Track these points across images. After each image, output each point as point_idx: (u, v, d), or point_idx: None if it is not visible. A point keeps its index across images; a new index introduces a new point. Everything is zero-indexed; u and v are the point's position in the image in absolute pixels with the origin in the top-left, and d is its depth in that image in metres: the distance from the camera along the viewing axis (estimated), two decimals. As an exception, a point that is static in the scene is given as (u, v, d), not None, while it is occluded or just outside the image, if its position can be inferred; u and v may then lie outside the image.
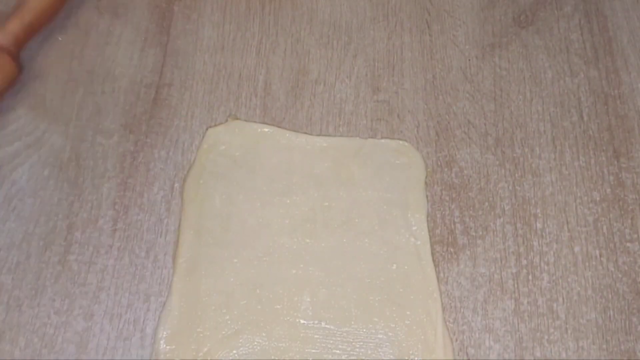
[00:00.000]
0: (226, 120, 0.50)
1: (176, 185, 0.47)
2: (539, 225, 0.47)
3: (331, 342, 0.42)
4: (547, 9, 0.55)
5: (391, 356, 0.42)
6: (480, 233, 0.46)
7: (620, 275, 0.45)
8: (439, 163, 0.49)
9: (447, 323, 0.43)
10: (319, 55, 0.53)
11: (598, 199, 0.48)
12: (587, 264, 0.45)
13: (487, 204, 0.47)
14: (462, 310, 0.44)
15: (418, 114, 0.51)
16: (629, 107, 0.51)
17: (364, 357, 0.42)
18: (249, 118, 0.50)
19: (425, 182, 0.48)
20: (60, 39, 0.52)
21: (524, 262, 0.45)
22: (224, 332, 0.42)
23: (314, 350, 0.42)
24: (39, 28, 0.51)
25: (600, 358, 0.42)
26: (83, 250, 0.45)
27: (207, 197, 0.46)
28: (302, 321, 0.43)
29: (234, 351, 0.42)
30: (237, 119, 0.50)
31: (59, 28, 0.53)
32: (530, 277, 0.45)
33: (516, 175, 0.48)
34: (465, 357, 0.42)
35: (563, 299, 0.44)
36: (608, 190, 0.48)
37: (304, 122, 0.50)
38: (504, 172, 0.48)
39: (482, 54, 0.53)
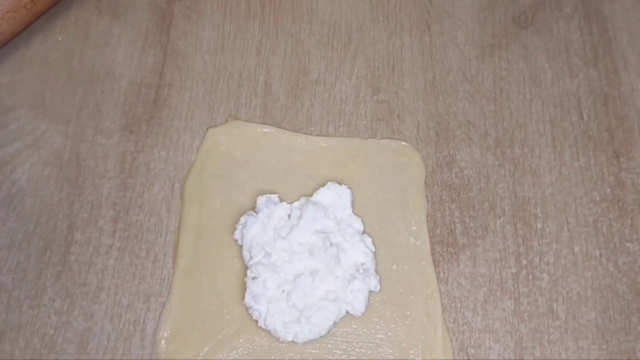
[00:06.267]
0: (226, 121, 0.50)
1: (176, 185, 0.47)
2: (539, 226, 0.47)
3: (331, 342, 0.42)
4: (546, 10, 0.55)
5: (391, 356, 0.42)
6: (480, 233, 0.46)
7: (620, 276, 0.45)
8: (439, 163, 0.49)
9: (447, 323, 0.43)
10: (319, 55, 0.53)
11: (598, 199, 0.48)
12: (587, 264, 0.45)
13: (487, 204, 0.47)
14: (462, 310, 0.44)
15: (418, 115, 0.51)
16: (629, 107, 0.51)
17: (364, 357, 0.42)
18: (249, 118, 0.50)
19: (425, 183, 0.48)
20: (60, 39, 0.52)
21: (524, 262, 0.45)
22: (224, 332, 0.42)
23: (314, 351, 0.42)
24: None
25: (600, 358, 0.43)
26: (83, 251, 0.45)
27: (207, 197, 0.46)
28: (302, 321, 0.43)
29: (234, 351, 0.42)
30: (237, 119, 0.50)
31: (59, 28, 0.53)
32: (530, 277, 0.45)
33: (516, 175, 0.48)
34: (465, 357, 0.43)
35: (563, 299, 0.44)
36: (608, 190, 0.48)
37: (304, 123, 0.50)
38: (504, 172, 0.49)
39: (482, 54, 0.53)
